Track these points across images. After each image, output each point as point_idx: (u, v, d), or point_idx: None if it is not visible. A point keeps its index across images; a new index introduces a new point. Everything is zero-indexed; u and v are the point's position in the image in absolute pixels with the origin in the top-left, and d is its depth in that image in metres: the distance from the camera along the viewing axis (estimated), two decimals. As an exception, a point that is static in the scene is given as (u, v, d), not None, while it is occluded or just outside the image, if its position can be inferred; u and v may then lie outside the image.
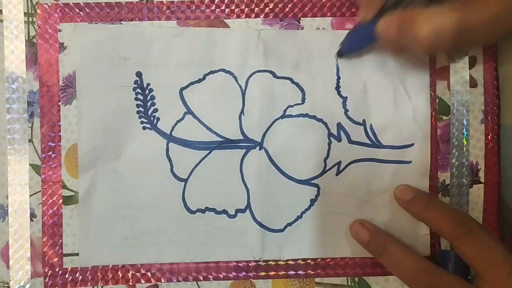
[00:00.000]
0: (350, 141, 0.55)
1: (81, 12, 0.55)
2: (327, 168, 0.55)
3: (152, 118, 0.55)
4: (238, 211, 0.55)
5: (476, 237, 0.48)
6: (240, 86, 0.55)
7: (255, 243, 0.55)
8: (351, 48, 0.55)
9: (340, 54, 0.55)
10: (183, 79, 0.55)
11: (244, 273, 0.56)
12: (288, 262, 0.56)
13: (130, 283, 0.55)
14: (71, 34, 0.55)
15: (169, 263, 0.55)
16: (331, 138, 0.55)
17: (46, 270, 0.55)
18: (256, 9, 0.55)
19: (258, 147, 0.55)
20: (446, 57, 0.56)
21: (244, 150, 0.55)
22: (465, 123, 0.55)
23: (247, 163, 0.55)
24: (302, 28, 0.56)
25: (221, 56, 0.55)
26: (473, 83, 0.55)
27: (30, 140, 0.55)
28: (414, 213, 0.52)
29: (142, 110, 0.55)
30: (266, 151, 0.55)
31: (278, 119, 0.55)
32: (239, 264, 0.56)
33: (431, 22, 0.45)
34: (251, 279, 0.56)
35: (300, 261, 0.56)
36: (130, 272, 0.55)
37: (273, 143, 0.55)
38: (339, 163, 0.55)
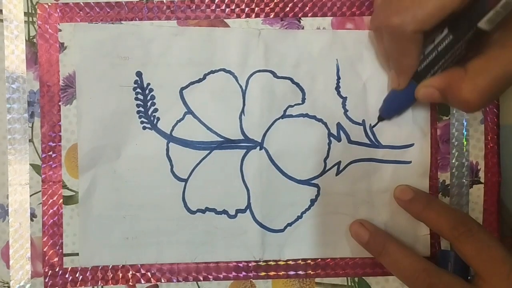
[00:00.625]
0: (350, 141, 0.55)
1: (81, 12, 0.55)
2: (327, 168, 0.55)
3: (152, 118, 0.55)
4: (238, 211, 0.55)
5: (476, 237, 0.48)
6: (241, 86, 0.55)
7: (255, 243, 0.55)
8: (390, 112, 0.55)
9: (381, 119, 0.55)
10: (183, 79, 0.55)
11: (244, 273, 0.56)
12: (288, 262, 0.56)
13: (130, 283, 0.55)
14: (71, 34, 0.55)
15: (169, 263, 0.55)
16: (331, 138, 0.55)
17: (46, 270, 0.55)
18: (256, 8, 0.55)
19: (258, 147, 0.55)
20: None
21: (245, 150, 0.55)
22: (465, 123, 0.55)
23: (247, 163, 0.55)
24: (303, 28, 0.56)
25: (221, 56, 0.55)
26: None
27: (31, 140, 0.55)
28: (414, 213, 0.52)
29: (142, 110, 0.55)
30: (267, 151, 0.55)
31: (278, 119, 0.55)
32: (239, 264, 0.56)
33: (474, 87, 0.45)
34: (251, 279, 0.56)
35: (300, 261, 0.56)
36: (130, 272, 0.55)
37: (273, 143, 0.55)
38: (339, 163, 0.55)
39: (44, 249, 0.55)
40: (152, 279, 0.55)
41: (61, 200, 0.55)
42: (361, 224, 0.54)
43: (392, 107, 0.55)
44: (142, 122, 0.55)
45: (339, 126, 0.55)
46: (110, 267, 0.55)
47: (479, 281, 0.47)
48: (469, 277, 0.51)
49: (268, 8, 0.55)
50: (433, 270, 0.49)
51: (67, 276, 0.55)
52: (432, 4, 0.43)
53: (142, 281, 0.55)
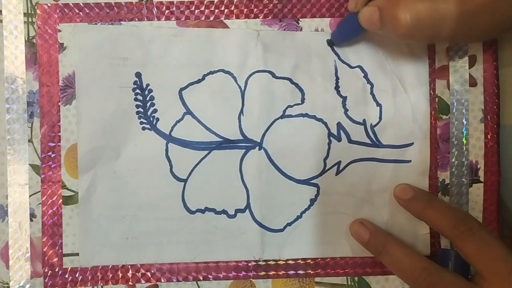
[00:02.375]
0: (350, 141, 0.55)
1: (80, 13, 0.55)
2: (326, 168, 0.55)
3: (151, 119, 0.55)
4: (237, 211, 0.55)
5: (476, 236, 0.48)
6: (240, 86, 0.55)
7: (255, 243, 0.55)
8: (341, 38, 0.55)
9: (331, 43, 0.56)
10: (182, 80, 0.55)
11: (244, 272, 0.56)
12: (288, 262, 0.56)
13: (130, 283, 0.55)
14: (70, 34, 0.55)
15: (169, 263, 0.55)
16: (331, 138, 0.55)
17: (46, 270, 0.55)
18: (255, 10, 0.55)
19: (257, 147, 0.55)
20: (446, 54, 0.56)
21: (244, 150, 0.55)
22: (465, 122, 0.55)
23: (247, 163, 0.55)
24: (301, 29, 0.56)
25: (220, 57, 0.55)
26: (472, 82, 0.55)
27: (30, 140, 0.55)
28: (414, 212, 0.53)
29: (142, 110, 0.55)
30: (266, 151, 0.55)
31: (277, 119, 0.55)
32: (239, 264, 0.56)
33: (411, 7, 0.45)
34: (251, 279, 0.56)
35: (300, 261, 0.56)
36: (130, 272, 0.55)
37: (272, 143, 0.55)
38: (338, 162, 0.55)
39: (44, 249, 0.55)
40: (152, 279, 0.55)
41: (61, 200, 0.55)
42: (362, 223, 0.54)
43: (344, 33, 0.55)
44: (141, 123, 0.55)
45: (339, 125, 0.55)
46: (110, 267, 0.55)
47: (479, 280, 0.47)
48: (469, 276, 0.51)
49: (266, 9, 0.55)
50: (433, 269, 0.49)
51: (66, 276, 0.55)
52: None
53: (142, 281, 0.55)
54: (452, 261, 0.52)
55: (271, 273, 0.56)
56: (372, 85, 0.55)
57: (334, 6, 0.56)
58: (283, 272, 0.56)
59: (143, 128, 0.55)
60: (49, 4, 0.55)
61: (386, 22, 0.48)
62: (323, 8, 0.56)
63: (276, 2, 0.56)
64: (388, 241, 0.52)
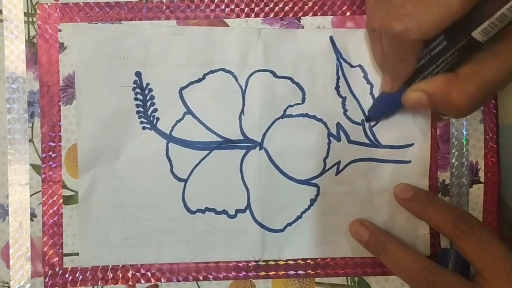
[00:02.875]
0: (350, 141, 0.55)
1: (81, 12, 0.55)
2: (326, 168, 0.55)
3: (151, 118, 0.55)
4: (238, 211, 0.55)
5: (477, 235, 0.48)
6: (240, 86, 0.55)
7: (255, 243, 0.55)
8: (379, 114, 0.55)
9: (368, 120, 0.55)
10: (182, 79, 0.55)
11: (244, 273, 0.56)
12: (288, 262, 0.56)
13: (130, 283, 0.55)
14: (71, 34, 0.55)
15: (169, 263, 0.56)
16: (331, 138, 0.55)
17: (46, 270, 0.55)
18: (256, 8, 0.55)
19: (258, 147, 0.55)
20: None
21: (244, 150, 0.55)
22: (465, 123, 0.55)
23: (247, 163, 0.55)
24: (303, 27, 0.56)
25: (221, 56, 0.55)
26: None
27: (31, 140, 0.55)
28: (414, 212, 0.53)
29: (142, 110, 0.55)
30: (266, 151, 0.55)
31: (278, 119, 0.55)
32: (239, 264, 0.56)
33: (464, 91, 0.44)
34: (251, 279, 0.56)
35: (300, 261, 0.56)
36: (130, 272, 0.55)
37: (273, 143, 0.55)
38: (338, 163, 0.55)
39: (44, 249, 0.55)
40: (152, 279, 0.55)
41: (61, 200, 0.55)
42: (361, 223, 0.54)
43: (382, 110, 0.55)
44: (141, 122, 0.55)
45: (338, 126, 0.55)
46: (110, 267, 0.55)
47: (480, 279, 0.47)
48: (469, 276, 0.51)
49: (267, 7, 0.55)
50: (433, 268, 0.49)
51: (67, 276, 0.55)
52: (436, 11, 0.42)
53: (142, 281, 0.55)
54: (452, 261, 0.52)
55: (271, 273, 0.56)
56: (372, 85, 0.55)
57: (336, 3, 0.56)
58: (283, 272, 0.56)
59: (143, 128, 0.55)
60: (49, 4, 0.55)
61: (440, 108, 0.47)
62: (325, 6, 0.56)
63: (277, 0, 0.55)
64: (388, 240, 0.52)
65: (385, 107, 0.54)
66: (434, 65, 0.46)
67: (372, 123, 0.55)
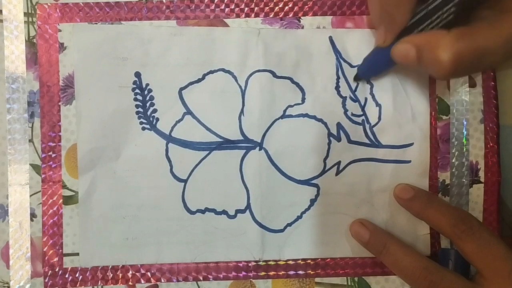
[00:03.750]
0: (350, 141, 0.55)
1: (80, 12, 0.55)
2: (326, 168, 0.55)
3: (151, 119, 0.55)
4: (238, 211, 0.55)
5: (477, 235, 0.48)
6: (240, 86, 0.55)
7: (255, 243, 0.55)
8: (368, 72, 0.55)
9: (357, 78, 0.55)
10: (182, 79, 0.55)
11: (244, 273, 0.56)
12: (288, 262, 0.56)
13: (130, 283, 0.55)
14: (70, 34, 0.55)
15: (169, 263, 0.56)
16: (331, 138, 0.55)
17: (46, 270, 0.55)
18: (256, 8, 0.55)
19: (258, 148, 0.55)
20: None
21: (244, 151, 0.55)
22: (465, 122, 0.55)
23: (247, 163, 0.55)
24: (302, 27, 0.56)
25: (220, 56, 0.55)
26: (472, 83, 0.55)
27: (31, 140, 0.55)
28: (414, 212, 0.52)
29: (141, 110, 0.55)
30: (266, 152, 0.55)
31: (278, 119, 0.55)
32: (239, 264, 0.56)
33: (452, 47, 0.43)
34: (251, 279, 0.56)
35: (300, 261, 0.56)
36: (130, 272, 0.55)
37: (273, 144, 0.55)
38: (338, 163, 0.55)
39: (44, 249, 0.55)
40: (152, 279, 0.55)
41: (61, 200, 0.55)
42: (361, 223, 0.54)
43: (372, 68, 0.54)
44: (141, 123, 0.55)
45: (339, 126, 0.55)
46: (110, 267, 0.55)
47: (480, 279, 0.47)
48: (470, 276, 0.51)
49: (267, 7, 0.55)
50: (434, 268, 0.49)
51: (67, 276, 0.55)
52: None
53: (142, 281, 0.55)
54: (452, 261, 0.52)
55: (271, 273, 0.56)
56: (371, 85, 0.55)
57: (336, 3, 0.55)
58: (283, 272, 0.56)
59: (143, 128, 0.55)
60: (49, 4, 0.55)
61: (425, 62, 0.46)
62: (324, 6, 0.56)
63: (277, 0, 0.55)
64: (388, 241, 0.52)
65: (376, 64, 0.53)
66: (429, 20, 0.46)
67: (362, 82, 0.55)
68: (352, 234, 0.55)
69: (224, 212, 0.55)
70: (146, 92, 0.55)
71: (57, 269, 0.55)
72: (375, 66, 0.54)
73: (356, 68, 0.55)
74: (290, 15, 0.55)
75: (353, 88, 0.55)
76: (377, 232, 0.53)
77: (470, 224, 0.48)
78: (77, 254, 0.55)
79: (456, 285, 0.48)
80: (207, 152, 0.55)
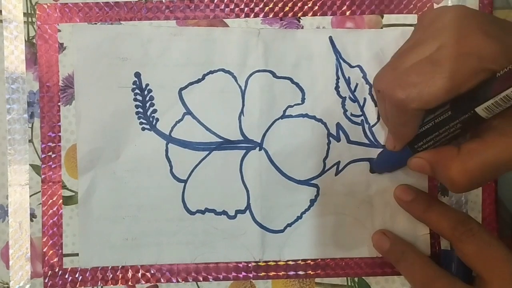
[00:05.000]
0: (349, 141, 0.55)
1: (80, 12, 0.55)
2: (326, 168, 0.55)
3: (151, 119, 0.55)
4: (238, 212, 0.55)
5: (477, 237, 0.47)
6: (240, 86, 0.55)
7: (255, 244, 0.55)
8: (382, 169, 0.55)
9: (372, 172, 0.56)
10: (182, 79, 0.55)
11: (244, 273, 0.56)
12: (288, 262, 0.56)
13: (130, 284, 0.55)
14: (70, 34, 0.55)
15: (169, 263, 0.56)
16: (330, 138, 0.55)
17: (46, 270, 0.55)
18: (255, 8, 0.55)
19: (258, 148, 0.55)
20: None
21: (244, 151, 0.55)
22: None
23: (247, 164, 0.55)
24: (302, 27, 0.55)
25: (220, 56, 0.55)
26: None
27: (30, 141, 0.55)
28: (415, 214, 0.52)
29: (141, 110, 0.55)
30: (266, 152, 0.55)
31: (278, 119, 0.55)
32: (239, 265, 0.56)
33: (463, 167, 0.43)
34: (251, 280, 0.56)
35: (300, 261, 0.56)
36: (130, 273, 0.55)
37: (272, 144, 0.55)
38: (338, 163, 0.55)
39: (44, 250, 0.55)
40: (151, 279, 0.55)
41: (61, 201, 0.55)
42: (383, 233, 0.54)
43: (385, 165, 0.55)
44: (141, 123, 0.55)
45: (338, 126, 0.55)
46: (109, 268, 0.55)
47: (480, 282, 0.47)
48: (472, 278, 0.51)
49: (267, 7, 0.55)
50: (446, 278, 0.48)
51: (66, 276, 0.55)
52: (439, 84, 0.42)
53: (142, 282, 0.55)
54: (455, 263, 0.52)
55: (271, 273, 0.56)
56: (370, 86, 0.55)
57: (336, 3, 0.55)
58: (283, 272, 0.56)
59: (143, 129, 0.55)
60: (48, 4, 0.55)
61: (439, 178, 0.46)
62: (324, 6, 0.56)
63: (277, 0, 0.55)
64: (406, 250, 0.52)
65: (389, 163, 0.54)
66: (437, 133, 0.46)
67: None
68: (373, 245, 0.55)
69: (224, 212, 0.55)
70: (146, 92, 0.55)
71: (57, 270, 0.55)
72: (389, 165, 0.54)
73: (355, 68, 0.55)
74: (290, 15, 0.55)
75: (353, 89, 0.55)
76: (396, 241, 0.53)
77: (469, 226, 0.48)
78: (77, 254, 0.55)
79: None
80: (207, 152, 0.55)
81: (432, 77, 0.42)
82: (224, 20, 0.55)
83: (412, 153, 0.49)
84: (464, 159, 0.43)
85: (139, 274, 0.55)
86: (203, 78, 0.55)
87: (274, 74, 0.55)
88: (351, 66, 0.55)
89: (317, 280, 0.56)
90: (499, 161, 0.42)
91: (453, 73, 0.41)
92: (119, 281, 0.55)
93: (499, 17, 0.56)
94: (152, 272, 0.55)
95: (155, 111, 0.55)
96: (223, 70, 0.55)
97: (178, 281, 0.55)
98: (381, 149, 0.55)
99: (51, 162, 0.55)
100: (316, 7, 0.56)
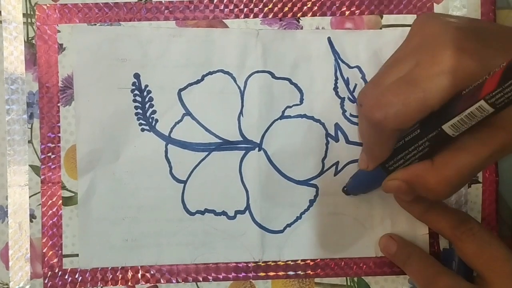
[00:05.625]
0: (348, 142, 0.55)
1: (79, 13, 0.55)
2: (325, 169, 0.55)
3: (150, 120, 0.55)
4: (237, 212, 0.55)
5: (477, 236, 0.48)
6: (239, 87, 0.55)
7: (255, 244, 0.55)
8: (357, 190, 0.55)
9: (347, 193, 0.56)
10: (181, 80, 0.55)
11: (243, 273, 0.56)
12: (288, 263, 0.56)
13: (130, 284, 0.55)
14: (70, 35, 0.55)
15: (169, 264, 0.56)
16: (329, 139, 0.55)
17: (45, 271, 0.55)
18: (255, 9, 0.55)
19: (257, 148, 0.55)
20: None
21: (243, 152, 0.55)
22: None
23: (246, 164, 0.55)
24: (302, 28, 0.56)
25: (219, 57, 0.55)
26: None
27: (30, 141, 0.55)
28: (415, 214, 0.52)
29: (141, 112, 0.55)
30: (265, 152, 0.55)
31: (276, 120, 0.55)
32: (239, 265, 0.56)
33: (440, 178, 0.43)
34: (251, 280, 0.56)
35: (299, 261, 0.56)
36: (130, 273, 0.55)
37: (272, 144, 0.55)
38: (337, 163, 0.55)
39: (44, 250, 0.55)
40: (151, 279, 0.55)
41: (61, 201, 0.55)
42: (390, 237, 0.54)
43: (359, 186, 0.55)
44: (140, 124, 0.55)
45: (337, 126, 0.55)
46: (109, 268, 0.55)
47: (481, 282, 0.47)
48: (473, 277, 0.51)
49: (266, 8, 0.55)
50: (450, 276, 0.49)
51: (66, 277, 0.55)
52: (414, 105, 0.41)
53: (142, 282, 0.55)
54: (456, 262, 0.52)
55: (271, 273, 0.56)
56: None
57: (335, 4, 0.55)
58: (282, 272, 0.56)
59: (142, 130, 0.55)
60: (48, 5, 0.55)
61: (419, 192, 0.46)
62: (324, 6, 0.56)
63: (276, 1, 0.55)
64: (413, 252, 0.52)
65: (363, 184, 0.54)
66: (407, 151, 0.46)
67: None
68: (380, 248, 0.55)
69: (223, 213, 0.55)
70: (145, 93, 0.55)
71: (56, 270, 0.55)
72: (363, 186, 0.54)
73: (354, 68, 0.55)
74: (289, 16, 0.55)
75: (351, 89, 0.55)
76: (403, 244, 0.53)
77: (470, 226, 0.48)
78: (77, 255, 0.55)
79: None
80: (207, 153, 0.55)
81: (408, 97, 0.42)
82: (223, 20, 0.55)
83: (384, 172, 0.49)
84: (439, 169, 0.44)
85: (139, 275, 0.55)
86: (202, 79, 0.55)
87: (273, 75, 0.55)
88: (349, 67, 0.55)
89: (317, 280, 0.56)
90: (473, 164, 0.42)
91: (428, 93, 0.41)
92: (119, 281, 0.55)
93: (499, 17, 0.56)
94: (152, 272, 0.55)
95: (154, 112, 0.55)
96: (222, 71, 0.55)
97: (178, 282, 0.55)
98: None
99: (50, 163, 0.55)
100: (315, 8, 0.56)
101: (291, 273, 0.56)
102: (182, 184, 0.55)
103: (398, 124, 0.43)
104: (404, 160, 0.47)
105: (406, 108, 0.42)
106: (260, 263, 0.56)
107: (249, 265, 0.56)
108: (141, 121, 0.55)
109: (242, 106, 0.55)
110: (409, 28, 0.49)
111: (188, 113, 0.55)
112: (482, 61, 0.40)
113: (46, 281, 0.55)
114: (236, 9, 0.55)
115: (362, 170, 0.52)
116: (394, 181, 0.47)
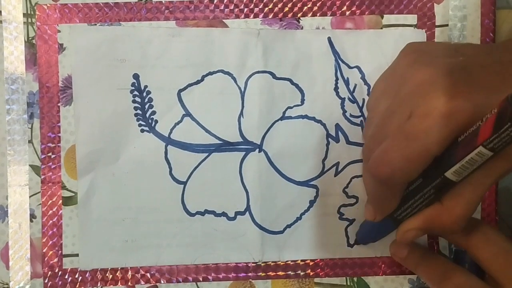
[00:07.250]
0: (349, 142, 0.55)
1: (80, 13, 0.55)
2: (325, 169, 0.55)
3: (150, 121, 0.55)
4: (237, 213, 0.55)
5: (491, 242, 0.48)
6: (239, 87, 0.55)
7: (255, 245, 0.55)
8: (366, 240, 0.55)
9: (357, 243, 0.56)
10: (181, 81, 0.55)
11: (243, 273, 0.56)
12: (288, 263, 0.56)
13: (130, 284, 0.55)
14: (69, 35, 0.55)
15: (169, 265, 0.56)
16: (329, 139, 0.55)
17: (45, 271, 0.55)
18: (255, 9, 0.55)
19: (257, 150, 0.55)
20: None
21: (244, 153, 0.55)
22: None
23: (247, 165, 0.55)
24: (302, 28, 0.55)
25: (219, 57, 0.55)
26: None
27: (30, 141, 0.55)
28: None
29: (140, 112, 0.55)
30: (266, 154, 0.55)
31: (277, 120, 0.55)
32: (239, 265, 0.56)
33: (458, 214, 0.44)
34: (251, 280, 0.56)
35: (299, 261, 0.56)
36: (130, 273, 0.55)
37: (272, 146, 0.55)
38: (337, 164, 0.55)
39: (44, 250, 0.55)
40: (151, 280, 0.55)
41: (61, 201, 0.55)
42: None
43: (368, 236, 0.55)
44: (140, 125, 0.55)
45: (337, 127, 0.55)
46: (109, 268, 0.55)
47: (493, 283, 0.47)
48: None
49: (267, 8, 0.55)
50: (464, 273, 0.48)
51: (66, 277, 0.55)
52: (417, 157, 0.42)
53: (142, 282, 0.55)
54: (467, 264, 0.52)
55: (271, 273, 0.56)
56: (369, 86, 0.55)
57: (335, 4, 0.55)
58: (282, 272, 0.56)
59: (142, 131, 0.55)
60: (48, 5, 0.55)
61: (436, 234, 0.49)
62: (324, 6, 0.55)
63: (277, 1, 0.55)
64: (424, 253, 0.52)
65: (372, 234, 0.54)
66: (413, 200, 0.46)
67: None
68: (391, 253, 0.54)
69: (223, 214, 0.55)
70: (144, 94, 0.55)
71: (56, 270, 0.55)
72: (372, 235, 0.55)
73: (354, 69, 0.55)
74: (290, 16, 0.55)
75: (351, 89, 0.55)
76: (414, 247, 0.53)
77: (484, 231, 0.48)
78: (77, 255, 0.55)
79: None
80: (207, 154, 0.55)
81: (411, 152, 0.42)
82: (223, 20, 0.55)
83: (392, 221, 0.49)
84: (450, 209, 0.44)
85: (139, 275, 0.55)
86: (202, 80, 0.55)
87: (273, 75, 0.55)
88: (349, 67, 0.55)
89: (316, 280, 0.56)
90: (480, 194, 0.43)
91: (429, 145, 0.41)
92: (119, 281, 0.55)
93: (499, 17, 0.56)
94: (151, 272, 0.55)
95: (154, 112, 0.55)
96: (222, 71, 0.55)
97: (178, 282, 0.56)
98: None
99: (50, 163, 0.55)
100: (316, 8, 0.55)
101: (291, 273, 0.56)
102: (182, 185, 0.55)
103: (405, 178, 0.44)
104: (411, 209, 0.47)
105: (410, 163, 0.42)
106: (260, 263, 0.56)
107: (249, 265, 0.56)
108: (140, 122, 0.55)
109: (243, 106, 0.55)
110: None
111: (188, 114, 0.55)
112: (475, 101, 0.40)
113: (46, 281, 0.55)
114: (236, 9, 0.55)
115: (369, 220, 0.52)
116: (411, 231, 0.48)
